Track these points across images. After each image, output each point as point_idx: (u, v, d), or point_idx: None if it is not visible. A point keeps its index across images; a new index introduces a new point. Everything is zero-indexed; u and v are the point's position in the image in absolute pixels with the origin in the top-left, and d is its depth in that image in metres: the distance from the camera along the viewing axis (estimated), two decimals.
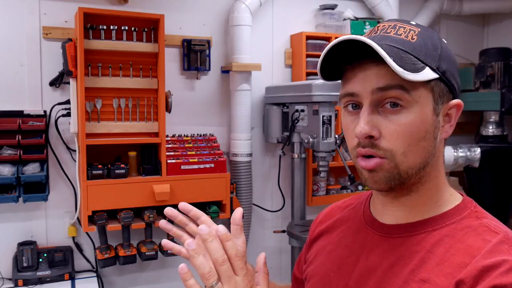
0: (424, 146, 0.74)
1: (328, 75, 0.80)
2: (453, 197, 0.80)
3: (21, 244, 2.26)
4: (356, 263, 0.82)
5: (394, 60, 0.68)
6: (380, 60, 0.69)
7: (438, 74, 0.73)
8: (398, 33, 0.74)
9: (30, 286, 2.19)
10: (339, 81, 0.80)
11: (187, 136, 2.55)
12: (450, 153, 2.89)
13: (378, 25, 0.79)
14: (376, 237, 0.81)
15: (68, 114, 2.29)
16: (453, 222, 0.75)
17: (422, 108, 0.72)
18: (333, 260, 0.87)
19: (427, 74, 0.71)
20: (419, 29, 0.75)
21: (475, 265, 0.67)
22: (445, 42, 0.77)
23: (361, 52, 0.72)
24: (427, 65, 0.72)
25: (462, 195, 0.81)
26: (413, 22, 0.77)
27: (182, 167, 2.37)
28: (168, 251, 2.38)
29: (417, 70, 0.70)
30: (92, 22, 2.25)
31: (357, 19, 2.93)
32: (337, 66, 0.78)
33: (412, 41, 0.73)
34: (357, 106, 0.76)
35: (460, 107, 0.77)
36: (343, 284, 0.82)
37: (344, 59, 0.76)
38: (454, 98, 0.77)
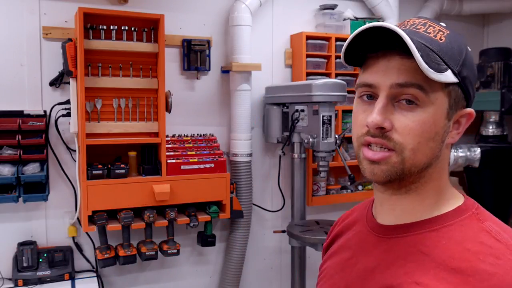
0: (432, 147, 0.73)
1: (350, 60, 0.79)
2: (455, 199, 0.78)
3: (21, 244, 2.26)
4: (355, 265, 0.82)
5: (421, 56, 0.67)
6: (405, 53, 0.69)
7: (458, 79, 0.72)
8: (428, 31, 0.73)
9: (30, 286, 2.19)
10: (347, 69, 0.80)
11: (187, 136, 2.55)
12: (450, 153, 2.89)
13: (408, 20, 0.77)
14: (374, 238, 0.81)
15: (68, 114, 2.29)
16: (451, 224, 0.73)
17: (436, 110, 0.72)
18: (339, 262, 0.88)
19: (449, 76, 0.70)
20: (448, 32, 0.74)
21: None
22: (470, 50, 0.76)
23: (387, 42, 0.71)
24: (449, 67, 0.71)
25: (464, 196, 0.80)
26: (443, 24, 0.76)
27: (182, 167, 2.37)
28: (168, 251, 2.39)
29: (440, 70, 0.69)
30: (92, 22, 2.25)
31: (357, 19, 2.93)
32: (361, 52, 0.77)
33: (440, 41, 0.72)
34: (372, 97, 0.75)
35: (471, 116, 0.77)
36: (344, 285, 0.83)
37: (369, 47, 0.75)
38: (467, 107, 0.77)
